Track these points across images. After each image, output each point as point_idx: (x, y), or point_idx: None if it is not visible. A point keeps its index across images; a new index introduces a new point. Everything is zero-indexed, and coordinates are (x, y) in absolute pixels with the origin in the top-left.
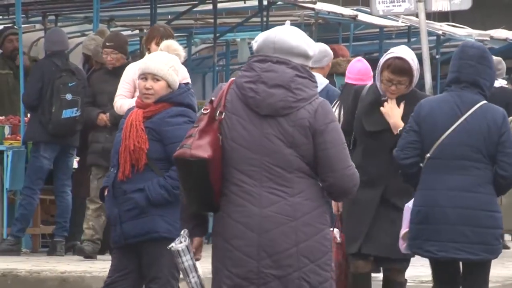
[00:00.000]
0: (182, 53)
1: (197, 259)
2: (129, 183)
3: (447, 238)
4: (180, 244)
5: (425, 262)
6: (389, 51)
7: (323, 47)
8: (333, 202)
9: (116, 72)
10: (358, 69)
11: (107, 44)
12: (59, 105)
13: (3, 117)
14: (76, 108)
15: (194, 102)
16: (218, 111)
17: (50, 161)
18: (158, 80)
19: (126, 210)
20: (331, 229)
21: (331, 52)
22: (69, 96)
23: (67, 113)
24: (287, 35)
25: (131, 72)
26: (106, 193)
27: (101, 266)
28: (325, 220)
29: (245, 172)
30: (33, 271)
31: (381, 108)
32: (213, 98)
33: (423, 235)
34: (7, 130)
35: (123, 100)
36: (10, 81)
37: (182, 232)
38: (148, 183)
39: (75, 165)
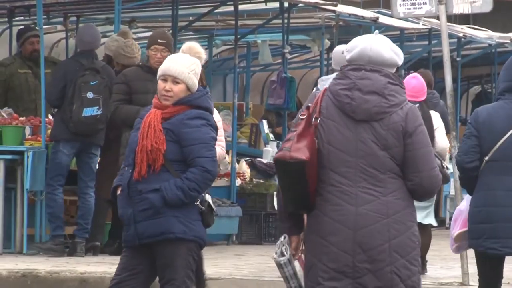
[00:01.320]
0: (204, 55)
1: (295, 257)
2: (144, 183)
3: (509, 235)
4: (282, 257)
5: (444, 264)
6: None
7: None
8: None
9: None
10: (412, 86)
11: (159, 41)
12: (80, 104)
13: (23, 118)
14: (97, 107)
15: (211, 105)
16: (314, 117)
17: (69, 157)
18: (178, 83)
19: (141, 210)
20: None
21: None
22: (90, 95)
23: (88, 112)
24: (381, 47)
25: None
26: (118, 192)
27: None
28: (413, 217)
29: (341, 173)
30: (53, 272)
31: None
32: (309, 104)
33: (485, 234)
34: (27, 131)
35: None
36: (30, 80)
37: (282, 239)
38: (165, 183)
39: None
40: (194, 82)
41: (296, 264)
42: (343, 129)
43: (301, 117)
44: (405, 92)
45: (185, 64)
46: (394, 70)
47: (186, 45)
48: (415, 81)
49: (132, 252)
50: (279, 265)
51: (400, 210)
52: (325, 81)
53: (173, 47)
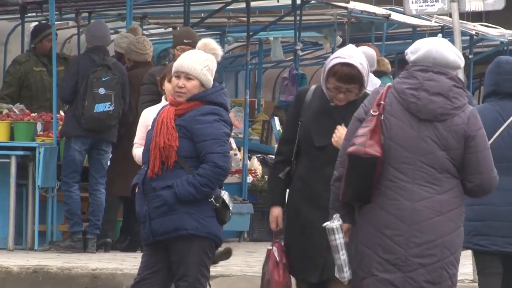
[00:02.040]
0: (220, 52)
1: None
2: (158, 180)
3: (499, 233)
4: (333, 223)
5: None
6: (335, 54)
7: (371, 51)
8: (274, 217)
9: None
10: None
11: (185, 41)
12: (91, 99)
13: (35, 114)
14: (109, 103)
15: (226, 101)
16: (378, 113)
17: (81, 154)
18: (191, 79)
19: (155, 207)
20: (271, 247)
21: None
22: (102, 91)
23: (100, 107)
24: (445, 50)
25: (145, 117)
26: (136, 190)
27: (132, 263)
28: (463, 218)
29: (399, 169)
30: (64, 268)
31: (333, 140)
32: (381, 102)
33: (474, 231)
34: (39, 127)
35: (139, 149)
36: (45, 78)
37: (334, 216)
38: (177, 180)
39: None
40: (208, 78)
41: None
42: (406, 126)
43: (372, 113)
44: (466, 95)
45: (198, 60)
46: (456, 72)
47: (202, 41)
48: None
49: (151, 250)
50: (332, 231)
51: (453, 209)
52: None
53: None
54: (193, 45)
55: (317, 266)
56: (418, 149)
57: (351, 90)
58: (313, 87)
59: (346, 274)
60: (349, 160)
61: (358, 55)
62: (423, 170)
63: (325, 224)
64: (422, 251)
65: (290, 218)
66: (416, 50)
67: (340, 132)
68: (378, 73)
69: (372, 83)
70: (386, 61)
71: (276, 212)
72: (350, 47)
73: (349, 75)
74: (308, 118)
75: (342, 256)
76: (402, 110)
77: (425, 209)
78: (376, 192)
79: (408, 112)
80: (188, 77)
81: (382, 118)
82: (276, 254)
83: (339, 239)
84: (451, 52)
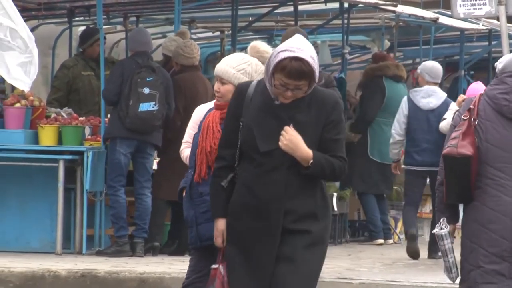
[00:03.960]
0: (268, 54)
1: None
2: (204, 185)
3: None
4: (441, 230)
5: None
6: (282, 47)
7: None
8: (219, 232)
9: None
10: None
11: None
12: (136, 99)
13: (83, 118)
14: (153, 102)
15: None
16: (472, 118)
17: (127, 157)
18: (224, 83)
19: (202, 212)
20: (215, 266)
21: None
22: (146, 90)
23: (144, 107)
24: None
25: (197, 114)
26: (184, 194)
27: (180, 267)
28: None
29: (498, 168)
30: (112, 272)
31: (281, 144)
32: (471, 107)
33: None
34: (87, 131)
35: (188, 149)
36: (93, 82)
37: (441, 220)
38: None
39: (155, 166)
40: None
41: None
42: (500, 128)
43: (463, 118)
44: None
45: (232, 64)
46: None
47: (252, 43)
48: (480, 87)
49: (199, 255)
50: (440, 237)
51: None
52: (418, 92)
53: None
54: None
55: (262, 283)
56: None
57: (300, 87)
58: (254, 81)
59: (454, 274)
60: (444, 161)
61: (308, 48)
62: None
63: (434, 231)
64: None
65: (232, 230)
66: (503, 59)
67: (289, 134)
68: (397, 78)
69: (440, 95)
70: (403, 68)
71: (221, 225)
72: (299, 38)
73: (299, 71)
74: (250, 118)
75: (451, 258)
76: (495, 114)
77: None
78: (477, 191)
79: (500, 115)
80: (222, 81)
81: (477, 123)
82: (223, 273)
83: (447, 244)
84: None
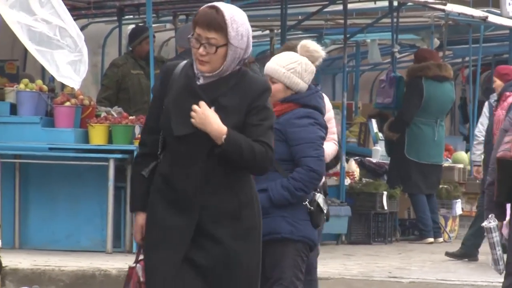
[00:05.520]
0: (318, 54)
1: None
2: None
3: None
4: (490, 224)
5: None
6: None
7: None
8: (138, 227)
9: None
10: None
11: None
12: None
13: (133, 117)
14: None
15: (321, 104)
16: None
17: None
18: (274, 82)
19: None
20: (133, 264)
21: None
22: None
23: None
24: None
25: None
26: None
27: None
28: None
29: None
30: None
31: (192, 120)
32: None
33: None
34: (137, 130)
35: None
36: (142, 81)
37: (490, 216)
38: (271, 183)
39: None
40: (293, 81)
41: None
42: None
43: None
44: None
45: (281, 63)
46: None
47: (301, 42)
48: None
49: None
50: (489, 230)
51: None
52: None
53: None
54: None
55: (171, 283)
56: None
57: (211, 42)
58: (183, 62)
59: (501, 266)
60: (497, 164)
61: (235, 9)
62: None
63: (483, 224)
64: None
65: (149, 225)
66: None
67: (202, 111)
68: (440, 78)
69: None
70: (449, 67)
71: (141, 220)
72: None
73: (210, 18)
74: (170, 100)
75: (498, 251)
76: None
77: None
78: None
79: None
80: (272, 80)
81: None
82: (140, 274)
83: (495, 237)
84: None
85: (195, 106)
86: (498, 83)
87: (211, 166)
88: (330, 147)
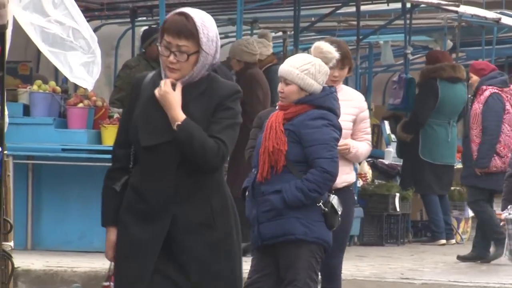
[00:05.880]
0: (332, 55)
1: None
2: (267, 184)
3: None
4: (510, 215)
5: None
6: None
7: None
8: (110, 243)
9: None
10: None
11: None
12: None
13: None
14: None
15: (335, 105)
16: None
17: None
18: (288, 83)
19: (263, 211)
20: (106, 283)
21: None
22: None
23: None
24: None
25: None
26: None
27: (243, 267)
28: None
29: None
30: None
31: (155, 92)
32: None
33: None
34: None
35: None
36: None
37: (508, 207)
38: (285, 185)
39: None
40: (307, 82)
41: None
42: None
43: None
44: None
45: (295, 64)
46: None
47: (315, 44)
48: None
49: (261, 254)
50: (509, 221)
51: None
52: None
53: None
54: None
55: None
56: None
57: (182, 49)
58: (152, 72)
59: None
60: None
61: (204, 14)
62: None
63: (503, 215)
64: None
65: (119, 239)
66: None
67: (163, 89)
68: (454, 80)
69: None
70: (462, 68)
71: (112, 235)
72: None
73: (180, 25)
74: (138, 111)
75: None
76: None
77: None
78: None
79: None
80: (286, 82)
81: None
82: None
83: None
84: None
85: (161, 81)
86: (474, 78)
87: (181, 176)
88: (364, 147)
